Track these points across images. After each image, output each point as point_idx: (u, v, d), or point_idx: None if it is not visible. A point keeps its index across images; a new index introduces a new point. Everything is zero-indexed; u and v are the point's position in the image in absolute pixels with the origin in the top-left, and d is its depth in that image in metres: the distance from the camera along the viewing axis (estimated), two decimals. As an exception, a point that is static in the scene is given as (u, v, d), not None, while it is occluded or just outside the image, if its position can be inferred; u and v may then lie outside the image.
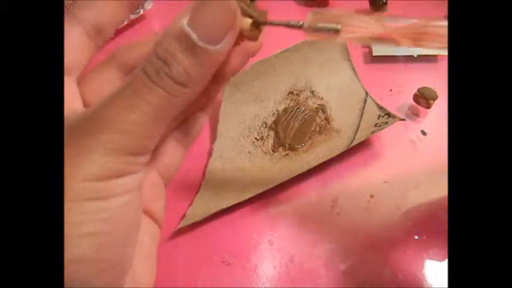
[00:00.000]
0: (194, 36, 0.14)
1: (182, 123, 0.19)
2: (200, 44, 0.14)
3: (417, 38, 0.16)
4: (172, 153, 0.19)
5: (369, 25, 0.16)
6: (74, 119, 0.15)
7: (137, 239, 0.17)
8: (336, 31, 0.16)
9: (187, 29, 0.14)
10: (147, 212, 0.18)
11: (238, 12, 0.15)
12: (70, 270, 0.14)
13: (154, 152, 0.18)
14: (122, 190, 0.15)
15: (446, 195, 0.15)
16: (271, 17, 0.16)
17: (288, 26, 0.17)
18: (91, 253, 0.14)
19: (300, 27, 0.16)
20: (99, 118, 0.14)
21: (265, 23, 0.16)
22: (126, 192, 0.15)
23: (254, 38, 0.16)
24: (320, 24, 0.16)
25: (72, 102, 0.17)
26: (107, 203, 0.14)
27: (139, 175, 0.16)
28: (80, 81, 0.18)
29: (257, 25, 0.16)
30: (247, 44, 0.16)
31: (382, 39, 0.16)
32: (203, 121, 0.20)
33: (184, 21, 0.14)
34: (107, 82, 0.18)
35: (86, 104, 0.18)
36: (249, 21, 0.16)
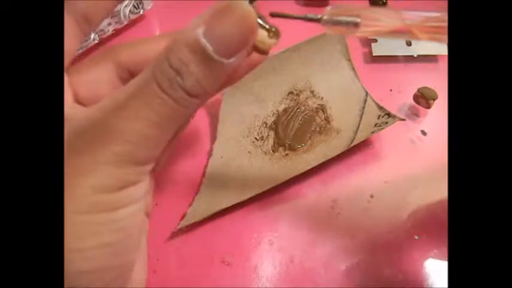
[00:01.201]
0: (210, 48, 0.13)
1: None
2: (216, 57, 0.13)
3: (435, 31, 0.15)
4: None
5: (387, 19, 0.16)
6: (80, 124, 0.14)
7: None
8: (355, 24, 0.16)
9: (203, 41, 0.13)
10: None
11: (257, 25, 0.14)
12: (86, 280, 0.14)
13: None
14: (131, 199, 0.15)
15: (446, 196, 0.15)
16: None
17: (306, 19, 0.16)
18: (106, 263, 0.14)
19: (318, 20, 0.16)
20: (109, 128, 0.14)
21: (278, 34, 0.15)
22: (135, 201, 0.15)
23: (266, 52, 0.16)
24: (339, 18, 0.16)
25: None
26: (118, 213, 0.14)
27: (146, 183, 0.16)
28: (73, 72, 0.17)
29: (274, 37, 0.16)
30: (254, 56, 0.16)
31: (400, 33, 0.16)
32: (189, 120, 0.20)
33: (200, 31, 0.13)
34: (103, 82, 0.18)
35: (77, 98, 0.17)
36: (264, 33, 0.15)
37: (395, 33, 0.16)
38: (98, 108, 0.14)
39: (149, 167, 0.15)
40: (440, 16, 0.15)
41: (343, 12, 0.16)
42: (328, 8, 0.16)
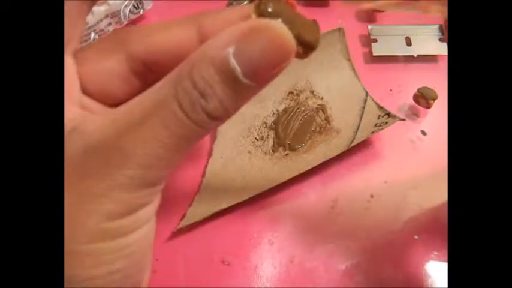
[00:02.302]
0: (239, 70, 0.12)
1: None
2: (244, 81, 0.12)
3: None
4: None
5: None
6: (90, 139, 0.13)
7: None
8: None
9: (233, 61, 0.12)
10: None
11: (295, 48, 0.13)
12: None
13: None
14: (142, 222, 0.14)
15: (446, 198, 0.15)
16: None
17: None
18: (116, 286, 0.14)
19: None
20: (121, 149, 0.13)
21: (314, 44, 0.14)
22: (146, 222, 0.15)
23: (315, 46, 0.15)
24: None
25: (69, 86, 0.15)
26: (130, 238, 0.14)
27: (157, 202, 0.15)
28: (80, 61, 0.16)
29: (312, 50, 0.14)
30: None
31: (412, 3, 0.15)
32: None
33: (231, 50, 0.12)
34: (113, 74, 0.16)
35: (85, 90, 0.16)
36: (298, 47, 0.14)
37: (408, 3, 0.15)
38: (111, 122, 0.13)
39: (161, 187, 0.15)
40: None
41: None
42: None
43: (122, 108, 0.13)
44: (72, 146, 0.13)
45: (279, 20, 0.13)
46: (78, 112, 0.15)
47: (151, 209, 0.15)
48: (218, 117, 0.13)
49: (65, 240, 0.13)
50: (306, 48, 0.14)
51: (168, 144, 0.13)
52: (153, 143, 0.13)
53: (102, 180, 0.13)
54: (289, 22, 0.13)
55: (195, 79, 0.12)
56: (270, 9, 0.13)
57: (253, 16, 0.13)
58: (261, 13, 0.13)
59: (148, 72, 0.17)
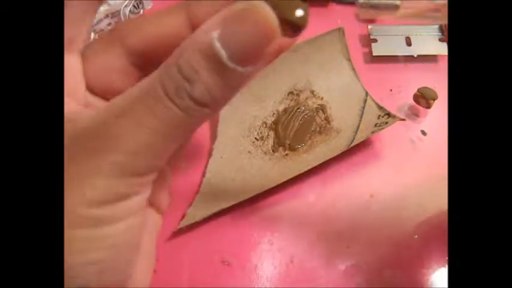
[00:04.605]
0: (224, 55, 0.12)
1: None
2: (230, 65, 0.12)
3: None
4: None
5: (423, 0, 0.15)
6: (81, 127, 0.13)
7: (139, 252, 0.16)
8: (395, 7, 0.15)
9: (218, 45, 0.12)
10: (150, 203, 0.17)
11: (278, 30, 0.12)
12: None
13: None
14: (127, 213, 0.14)
15: (446, 200, 0.15)
16: None
17: (341, 2, 0.15)
18: (94, 281, 0.13)
19: (354, 2, 0.15)
20: (107, 135, 0.13)
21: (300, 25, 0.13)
22: (131, 214, 0.14)
23: (303, 27, 0.14)
24: (377, 1, 0.15)
25: (74, 85, 0.15)
26: (112, 228, 0.13)
27: (146, 194, 0.14)
28: (83, 58, 0.16)
29: (298, 30, 0.13)
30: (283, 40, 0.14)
31: (432, 14, 0.15)
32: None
33: (215, 35, 0.12)
34: (114, 69, 0.16)
35: (89, 88, 0.16)
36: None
37: (428, 14, 0.15)
38: (101, 111, 0.13)
39: (150, 178, 0.14)
40: None
41: None
42: None
43: (114, 99, 0.13)
44: (65, 136, 0.13)
45: (262, 1, 0.12)
46: (82, 110, 0.15)
47: (138, 200, 0.14)
48: (205, 104, 0.13)
49: None
50: (293, 27, 0.13)
51: (155, 131, 0.13)
52: (139, 129, 0.12)
53: (85, 166, 0.13)
54: (272, 2, 0.12)
55: (181, 64, 0.12)
56: None
57: None
58: None
59: (148, 64, 0.16)
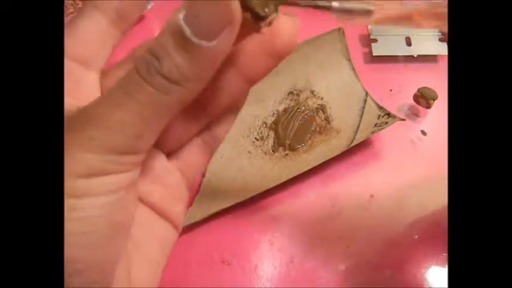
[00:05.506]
0: (188, 31, 0.13)
1: (209, 123, 0.18)
2: (194, 39, 0.13)
3: (437, 18, 0.15)
4: (196, 154, 0.18)
5: (398, 6, 0.15)
6: (67, 115, 0.14)
7: (130, 240, 0.16)
8: (369, 12, 0.15)
9: (182, 23, 0.13)
10: (162, 214, 0.18)
11: (237, 6, 0.13)
12: None
13: (177, 152, 0.18)
14: (104, 189, 0.14)
15: (446, 200, 0.15)
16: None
17: (316, 7, 0.16)
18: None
19: (328, 8, 0.15)
20: (87, 115, 0.14)
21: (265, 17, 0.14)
22: (109, 191, 0.14)
23: (262, 19, 0.14)
24: (351, 5, 0.15)
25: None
26: (83, 202, 0.14)
27: (129, 175, 0.15)
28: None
29: (259, 18, 0.14)
30: (274, 45, 0.15)
31: (405, 20, 0.15)
32: (231, 122, 0.19)
33: (181, 15, 0.13)
34: (96, 34, 0.16)
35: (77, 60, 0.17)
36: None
37: (400, 20, 0.15)
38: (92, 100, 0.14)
39: (132, 159, 0.15)
40: (442, 2, 0.15)
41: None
42: None
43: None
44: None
45: None
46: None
47: (117, 180, 0.14)
48: (176, 81, 0.14)
49: None
50: (254, 14, 0.14)
51: (131, 110, 0.14)
52: (116, 108, 0.13)
53: (66, 140, 0.14)
54: None
55: (152, 46, 0.13)
56: None
57: None
58: None
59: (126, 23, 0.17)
